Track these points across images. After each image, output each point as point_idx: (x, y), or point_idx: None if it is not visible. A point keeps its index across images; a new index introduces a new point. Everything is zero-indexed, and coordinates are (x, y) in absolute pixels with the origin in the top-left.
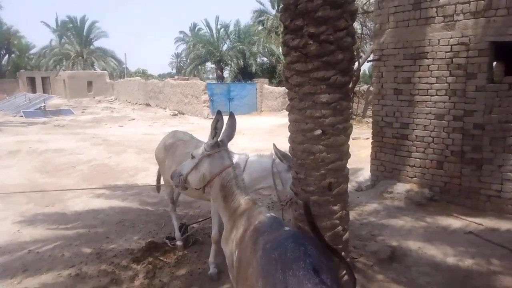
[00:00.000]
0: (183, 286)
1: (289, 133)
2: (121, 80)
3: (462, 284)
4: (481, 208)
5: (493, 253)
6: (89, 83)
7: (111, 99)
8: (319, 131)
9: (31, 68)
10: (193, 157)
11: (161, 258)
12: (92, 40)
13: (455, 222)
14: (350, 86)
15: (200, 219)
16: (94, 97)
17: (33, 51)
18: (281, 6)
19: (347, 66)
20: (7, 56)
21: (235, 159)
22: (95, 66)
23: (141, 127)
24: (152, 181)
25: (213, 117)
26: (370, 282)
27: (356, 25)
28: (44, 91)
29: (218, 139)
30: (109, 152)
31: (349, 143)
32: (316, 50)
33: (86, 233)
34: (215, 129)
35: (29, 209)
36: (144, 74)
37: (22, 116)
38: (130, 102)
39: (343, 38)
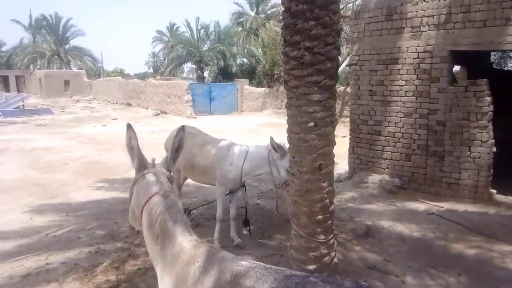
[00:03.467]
0: None
1: (275, 130)
2: (100, 79)
3: (424, 252)
4: (443, 194)
5: (450, 229)
6: (66, 82)
7: (90, 98)
8: (312, 123)
9: (1, 66)
10: None
11: None
12: (69, 39)
13: (420, 206)
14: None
15: (204, 203)
16: (71, 97)
17: (3, 48)
18: (282, 24)
19: (334, 72)
20: None
21: (236, 150)
22: (71, 65)
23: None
24: None
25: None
26: (349, 252)
27: None
28: (18, 90)
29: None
30: (97, 150)
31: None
32: (310, 59)
33: (95, 219)
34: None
35: (32, 201)
36: (122, 74)
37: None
38: (109, 102)
39: (331, 51)
